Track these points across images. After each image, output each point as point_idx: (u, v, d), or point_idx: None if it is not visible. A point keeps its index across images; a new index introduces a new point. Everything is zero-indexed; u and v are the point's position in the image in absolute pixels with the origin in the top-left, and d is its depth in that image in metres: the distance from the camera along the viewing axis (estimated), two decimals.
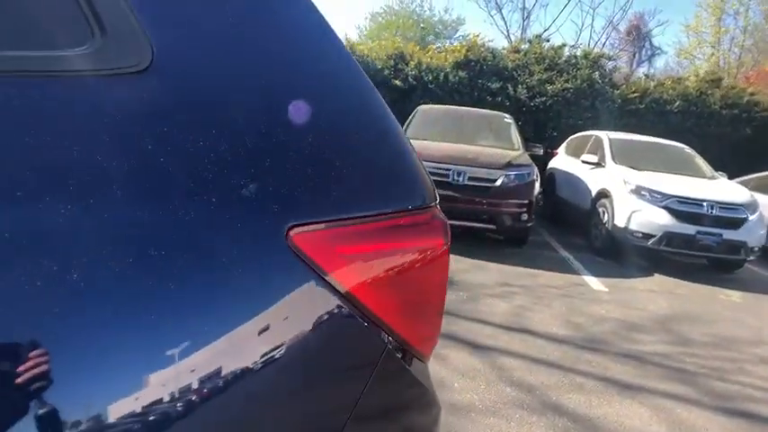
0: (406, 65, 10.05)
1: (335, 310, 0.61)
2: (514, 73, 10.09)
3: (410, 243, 0.71)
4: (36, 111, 0.47)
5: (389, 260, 0.68)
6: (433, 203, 0.77)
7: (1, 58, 0.46)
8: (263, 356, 0.55)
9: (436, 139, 5.99)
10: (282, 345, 0.56)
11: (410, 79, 9.89)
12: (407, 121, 6.65)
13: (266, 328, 0.55)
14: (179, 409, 0.50)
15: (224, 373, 0.52)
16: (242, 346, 0.54)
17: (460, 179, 5.15)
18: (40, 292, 0.43)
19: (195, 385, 0.51)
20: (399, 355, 0.70)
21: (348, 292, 0.62)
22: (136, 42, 0.51)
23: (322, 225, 0.62)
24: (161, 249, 0.49)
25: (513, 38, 19.80)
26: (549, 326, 3.41)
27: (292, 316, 0.58)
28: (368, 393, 0.64)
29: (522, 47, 10.97)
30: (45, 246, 0.44)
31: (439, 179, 5.29)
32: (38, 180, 0.45)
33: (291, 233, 0.58)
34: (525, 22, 20.99)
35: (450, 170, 5.19)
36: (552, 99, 9.83)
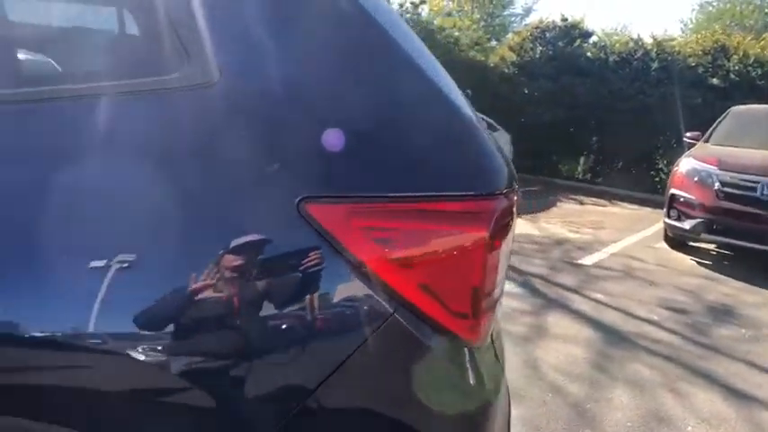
0: (728, 59, 8.37)
1: (345, 274, 0.69)
2: None
3: (444, 227, 0.73)
4: (156, 115, 0.72)
5: (415, 240, 0.72)
6: (493, 192, 0.75)
7: (133, 84, 0.73)
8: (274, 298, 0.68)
9: (750, 146, 4.89)
10: (298, 298, 0.68)
11: (732, 75, 8.21)
12: (714, 125, 5.59)
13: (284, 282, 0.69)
14: (201, 330, 0.68)
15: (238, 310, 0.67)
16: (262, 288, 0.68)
17: None
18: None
19: (212, 313, 0.67)
20: (414, 328, 0.72)
21: (360, 261, 0.68)
22: (208, 65, 0.71)
23: (340, 199, 0.69)
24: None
25: None
26: None
27: (305, 275, 0.68)
28: (361, 352, 0.69)
29: None
30: (174, 200, 0.68)
31: (741, 192, 4.36)
32: (165, 150, 0.70)
33: (306, 204, 0.67)
34: None
35: (758, 183, 4.21)
36: None
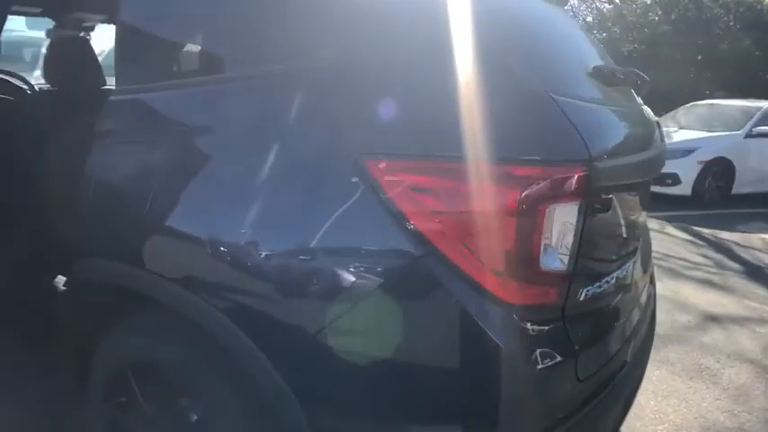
0: None
1: (387, 220, 0.82)
2: None
3: (476, 188, 0.80)
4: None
5: (450, 196, 0.81)
6: (531, 160, 0.81)
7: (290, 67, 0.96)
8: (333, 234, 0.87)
9: None
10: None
11: None
12: None
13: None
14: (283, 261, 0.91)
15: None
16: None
17: None
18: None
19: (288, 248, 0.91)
20: (440, 274, 0.81)
21: (400, 212, 0.81)
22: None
23: (401, 158, 0.83)
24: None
25: None
26: None
27: (354, 215, 0.85)
28: (385, 286, 0.83)
29: None
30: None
31: None
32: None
33: (369, 163, 0.83)
34: None
35: None
36: None
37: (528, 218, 0.79)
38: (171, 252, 1.05)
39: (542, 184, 0.79)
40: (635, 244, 1.27)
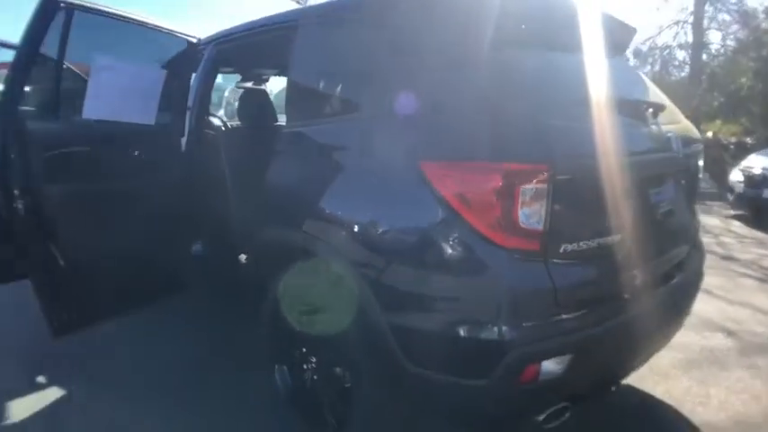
0: None
1: (434, 207, 1.42)
2: None
3: (479, 177, 1.38)
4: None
5: (465, 183, 1.39)
6: (502, 160, 1.35)
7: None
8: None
9: None
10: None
11: None
12: None
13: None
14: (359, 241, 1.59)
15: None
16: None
17: None
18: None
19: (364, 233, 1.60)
20: (461, 227, 1.38)
21: (440, 194, 1.41)
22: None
23: (441, 161, 1.42)
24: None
25: None
26: None
27: (412, 201, 1.48)
28: (434, 239, 1.44)
29: None
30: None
31: None
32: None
33: (426, 165, 1.42)
34: None
35: None
36: None
37: (509, 193, 1.33)
38: (318, 222, 1.77)
39: (518, 173, 1.33)
40: (636, 222, 1.66)
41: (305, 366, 1.96)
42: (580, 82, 1.67)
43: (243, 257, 2.67)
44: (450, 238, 1.42)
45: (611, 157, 1.51)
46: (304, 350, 1.95)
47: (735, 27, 11.64)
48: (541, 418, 1.48)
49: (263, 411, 2.09)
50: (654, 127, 1.78)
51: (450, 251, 1.42)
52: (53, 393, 2.28)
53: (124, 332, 2.72)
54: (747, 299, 3.58)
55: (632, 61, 12.49)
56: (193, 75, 2.70)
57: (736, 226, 6.08)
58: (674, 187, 1.91)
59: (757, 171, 6.19)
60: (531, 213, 1.35)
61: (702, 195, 7.61)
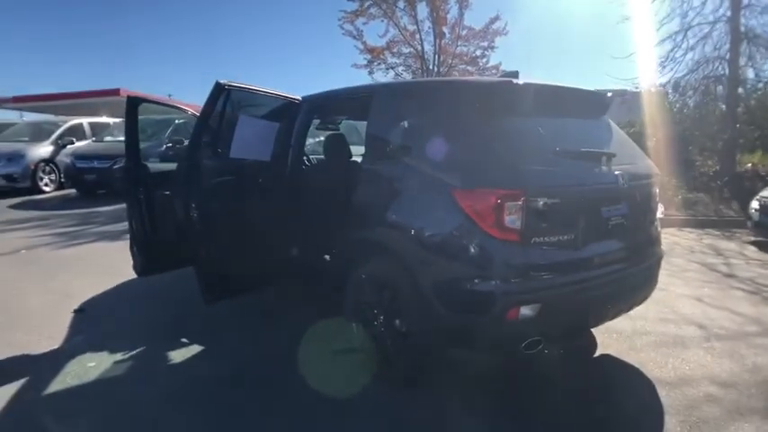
0: None
1: (458, 215, 2.44)
2: None
3: (486, 198, 2.37)
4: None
5: (476, 201, 2.39)
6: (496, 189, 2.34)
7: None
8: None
9: None
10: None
11: None
12: None
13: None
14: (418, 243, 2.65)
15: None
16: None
17: None
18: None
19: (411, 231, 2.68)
20: (473, 227, 2.38)
21: (461, 207, 2.42)
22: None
23: (467, 189, 2.43)
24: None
25: None
26: None
27: (449, 213, 2.51)
28: (456, 236, 2.48)
29: None
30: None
31: None
32: None
33: (454, 191, 2.45)
34: None
35: None
36: None
37: (499, 207, 2.32)
38: (388, 224, 2.80)
39: (503, 195, 2.32)
40: (587, 227, 2.61)
41: (375, 323, 2.96)
42: (554, 139, 2.63)
43: (327, 257, 3.75)
44: (467, 234, 2.42)
45: (567, 187, 2.49)
46: (375, 311, 2.95)
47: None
48: (523, 345, 2.42)
49: (346, 356, 3.12)
50: (604, 167, 2.72)
51: (467, 241, 2.42)
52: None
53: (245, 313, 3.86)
54: (730, 305, 4.32)
55: (671, 95, 13.03)
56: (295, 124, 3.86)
57: (751, 251, 6.65)
58: (626, 206, 2.82)
59: None
60: (513, 219, 2.34)
61: (729, 223, 8.25)
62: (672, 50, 12.20)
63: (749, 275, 5.33)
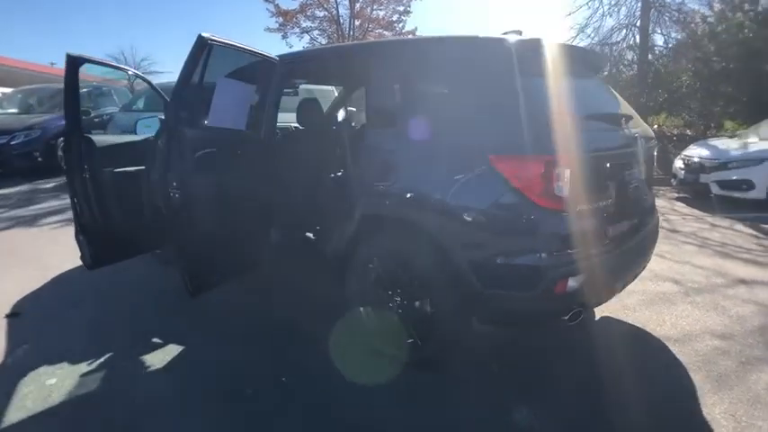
0: None
1: (500, 184, 2.23)
2: None
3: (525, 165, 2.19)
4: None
5: (517, 169, 2.20)
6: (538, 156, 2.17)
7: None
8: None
9: None
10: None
11: None
12: None
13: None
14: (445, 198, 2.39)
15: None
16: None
17: None
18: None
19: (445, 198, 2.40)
20: (517, 196, 2.20)
21: (504, 176, 2.21)
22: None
23: (512, 155, 2.22)
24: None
25: None
26: None
27: (489, 180, 2.27)
28: (500, 206, 2.28)
29: None
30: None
31: None
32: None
33: (496, 159, 2.22)
34: None
35: None
36: None
37: (547, 174, 2.15)
38: (410, 198, 2.50)
39: (552, 161, 2.15)
40: (618, 192, 2.53)
41: (390, 305, 2.72)
42: (579, 101, 2.49)
43: (310, 235, 3.40)
44: (511, 204, 2.23)
45: (603, 151, 2.37)
46: (390, 293, 2.70)
47: (675, 30, 13.06)
48: (566, 317, 2.32)
49: (357, 343, 2.86)
50: (626, 130, 2.65)
51: (509, 212, 2.24)
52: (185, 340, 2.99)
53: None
54: (689, 259, 4.61)
55: None
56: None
57: (680, 206, 7.21)
58: (638, 171, 2.79)
59: (695, 159, 7.36)
60: (561, 187, 2.18)
61: (653, 181, 8.89)
62: (589, 17, 12.78)
63: (690, 230, 5.74)
